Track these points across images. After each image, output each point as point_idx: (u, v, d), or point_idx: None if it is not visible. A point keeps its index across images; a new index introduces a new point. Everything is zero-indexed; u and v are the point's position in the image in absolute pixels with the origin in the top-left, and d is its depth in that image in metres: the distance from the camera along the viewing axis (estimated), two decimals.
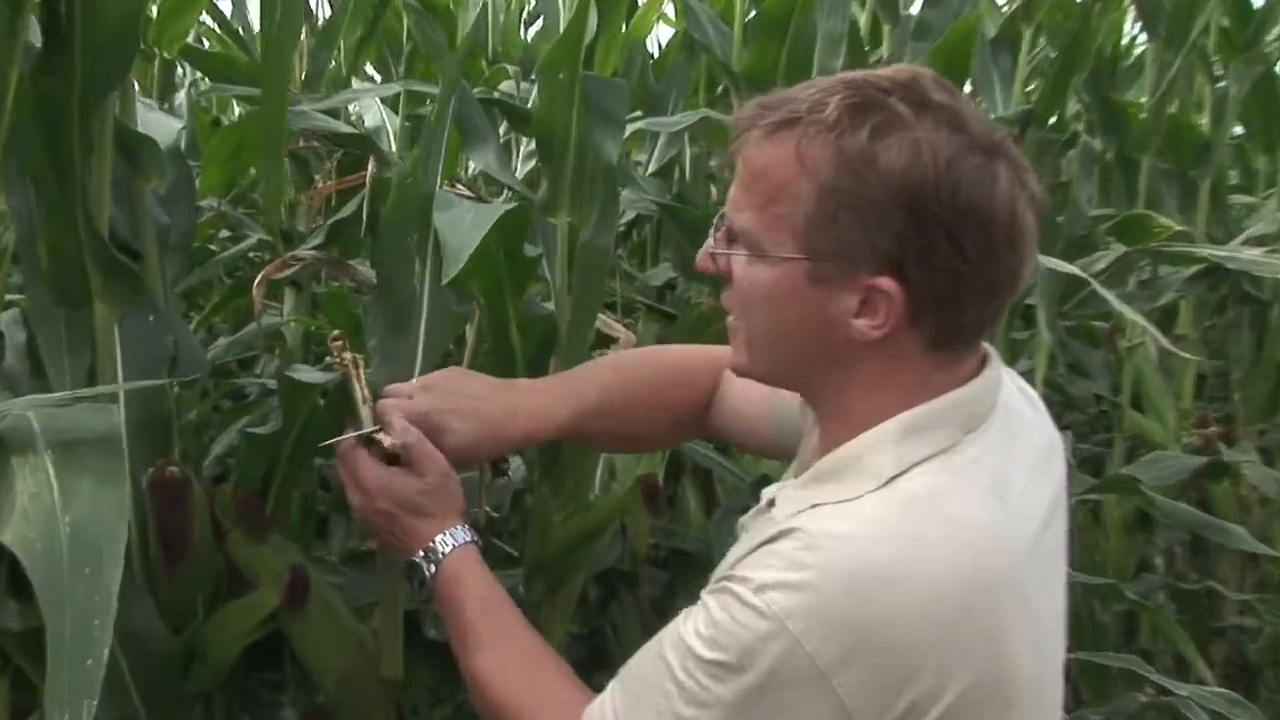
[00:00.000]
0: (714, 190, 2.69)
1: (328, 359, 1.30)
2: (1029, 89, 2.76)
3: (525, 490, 1.75)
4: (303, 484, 1.51)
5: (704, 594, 1.03)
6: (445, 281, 1.26)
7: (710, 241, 1.09)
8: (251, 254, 2.68)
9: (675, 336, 2.20)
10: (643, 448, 1.74)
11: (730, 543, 1.11)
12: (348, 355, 1.27)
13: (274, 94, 1.32)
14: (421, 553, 1.20)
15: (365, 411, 1.25)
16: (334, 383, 1.35)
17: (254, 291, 1.75)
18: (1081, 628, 2.40)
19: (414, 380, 1.32)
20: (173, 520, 1.28)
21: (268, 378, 2.12)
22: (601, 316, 2.12)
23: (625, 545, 1.99)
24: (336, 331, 1.29)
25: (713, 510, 2.16)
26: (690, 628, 1.02)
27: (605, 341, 2.15)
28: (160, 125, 1.54)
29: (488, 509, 1.34)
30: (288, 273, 1.91)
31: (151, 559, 1.32)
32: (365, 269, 2.05)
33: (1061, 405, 2.83)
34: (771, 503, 1.06)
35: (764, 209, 1.02)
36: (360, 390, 1.25)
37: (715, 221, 1.08)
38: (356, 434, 1.23)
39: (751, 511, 1.10)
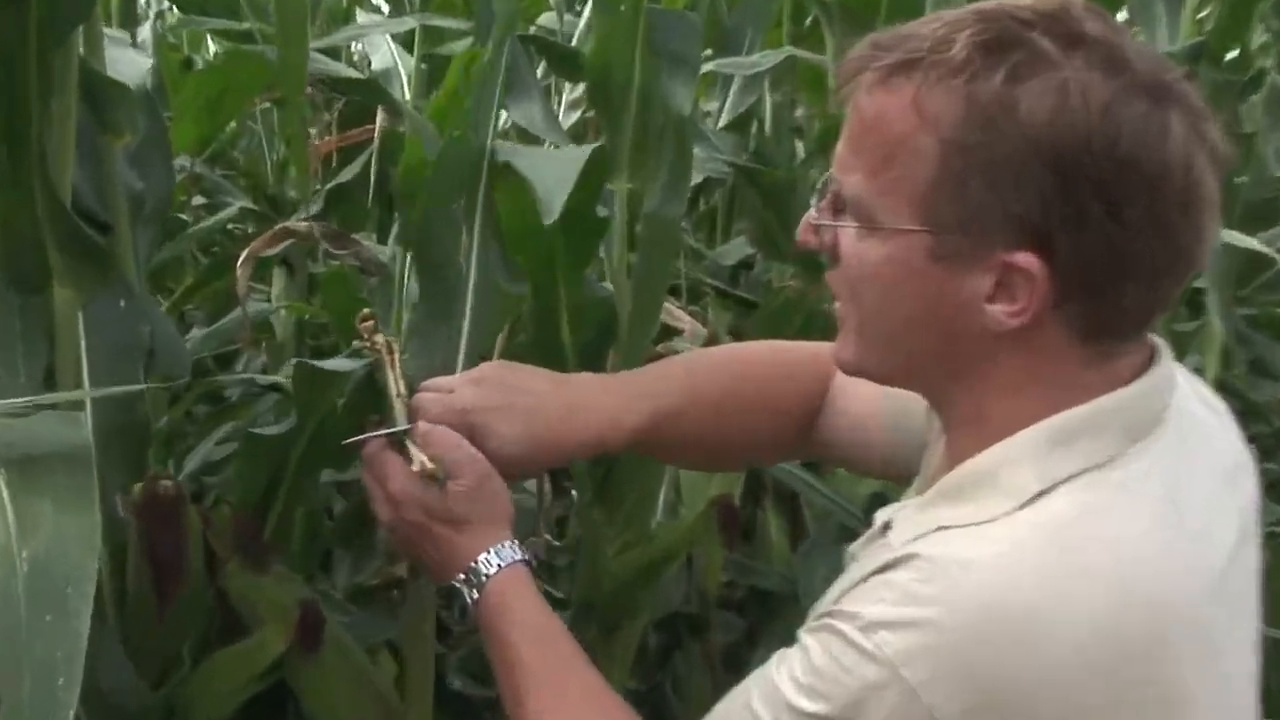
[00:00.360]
0: (800, 147, 2.71)
1: (355, 343, 1.33)
2: (1201, 15, 2.75)
3: (572, 515, 1.79)
4: (309, 502, 1.56)
5: (802, 633, 1.06)
6: (549, 221, 1.29)
7: (812, 211, 1.11)
8: (232, 225, 2.74)
9: (753, 328, 2.23)
10: (729, 465, 1.76)
11: (821, 580, 1.14)
12: (380, 338, 1.30)
13: (291, 19, 1.36)
14: (462, 574, 1.23)
15: (399, 407, 1.27)
16: (362, 372, 1.38)
17: (237, 271, 1.80)
18: (1271, 698, 2.38)
19: (458, 374, 1.36)
20: (165, 546, 1.32)
21: (255, 375, 2.17)
22: (665, 305, 2.15)
23: (693, 583, 2.01)
24: (366, 310, 1.31)
25: (800, 541, 2.19)
26: (785, 673, 1.04)
27: (667, 334, 2.18)
28: (127, 65, 1.59)
29: (548, 536, 1.37)
30: (278, 249, 1.97)
31: (129, 597, 1.37)
32: (373, 244, 2.10)
33: (1240, 413, 2.81)
34: (887, 526, 1.08)
35: (877, 171, 1.04)
36: (394, 382, 1.28)
37: (819, 187, 1.10)
38: (387, 432, 1.26)
39: (863, 537, 1.12)
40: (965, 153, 1.01)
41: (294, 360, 2.26)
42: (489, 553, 1.23)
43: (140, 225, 1.54)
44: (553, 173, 1.35)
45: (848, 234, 1.08)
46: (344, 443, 1.29)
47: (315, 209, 2.40)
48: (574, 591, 1.72)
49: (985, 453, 1.06)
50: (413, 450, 1.24)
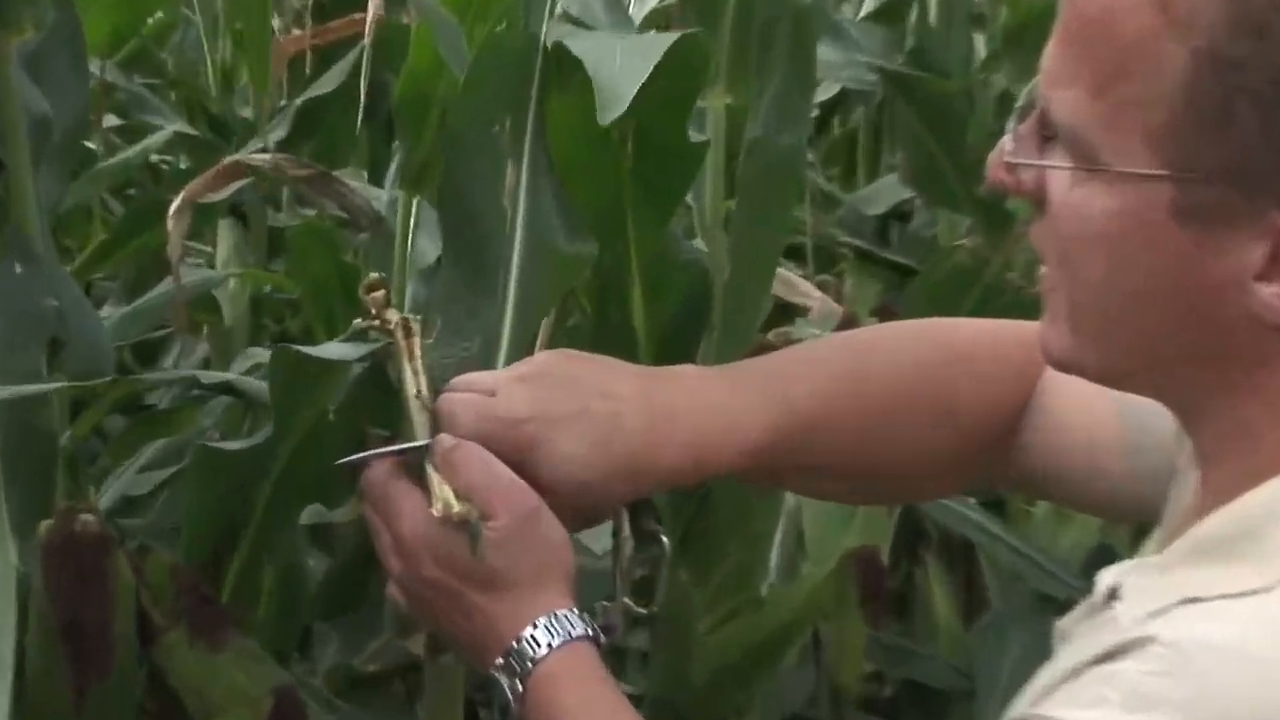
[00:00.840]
0: (980, 44, 2.70)
1: (358, 322, 1.35)
2: None
3: (661, 571, 1.81)
4: (284, 550, 1.59)
5: None
6: (606, 121, 1.31)
7: (1007, 141, 1.12)
8: (158, 158, 2.78)
9: (908, 304, 2.24)
10: (878, 496, 1.75)
11: (1009, 670, 1.14)
12: (394, 316, 1.31)
13: None
14: (501, 657, 1.24)
15: (417, 414, 1.29)
16: (365, 364, 1.42)
17: (168, 225, 1.83)
18: None
19: (501, 368, 1.38)
20: (84, 607, 1.35)
21: (195, 371, 2.20)
22: (781, 272, 2.16)
23: (821, 674, 2.04)
24: (374, 275, 1.33)
25: (977, 615, 2.21)
26: None
27: (785, 314, 2.19)
28: None
29: (628, 601, 1.38)
30: (226, 192, 2.00)
31: (30, 677, 1.39)
32: (363, 185, 2.13)
33: None
34: (1113, 594, 1.09)
35: (1103, 89, 1.04)
36: (412, 378, 1.30)
37: (1019, 106, 1.11)
38: (399, 449, 1.29)
39: (1077, 610, 1.13)
40: (1229, 70, 1.01)
41: (251, 350, 2.30)
42: (538, 626, 1.24)
43: (45, 161, 1.57)
44: (622, 60, 1.37)
45: (1059, 175, 1.09)
46: (337, 463, 1.31)
47: (279, 134, 2.43)
48: (651, 681, 1.74)
49: (1255, 493, 1.06)
50: (433, 477, 1.26)
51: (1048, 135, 1.10)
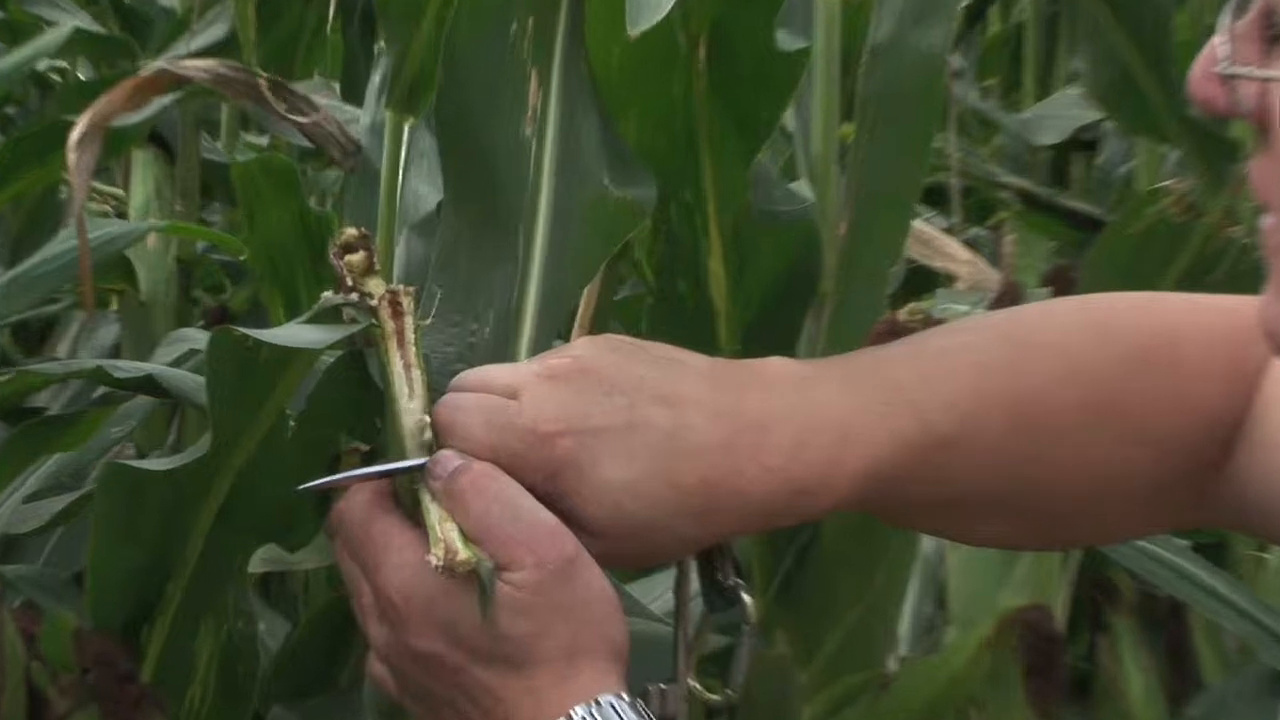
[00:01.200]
0: None
1: (328, 295, 1.35)
2: None
3: (742, 641, 1.83)
4: (225, 610, 1.61)
5: None
6: (636, 32, 1.31)
7: (1220, 41, 1.13)
8: (50, 64, 2.81)
9: (1093, 271, 2.25)
10: (1047, 539, 1.76)
11: None
12: (377, 286, 1.34)
13: None
14: None
15: (410, 421, 1.32)
16: (340, 352, 1.43)
17: (67, 157, 1.86)
18: None
19: (524, 360, 1.40)
20: None
21: (102, 361, 2.23)
22: (917, 226, 2.17)
23: None
24: (351, 230, 1.34)
25: (1186, 697, 2.23)
26: None
27: (923, 284, 2.21)
28: None
29: (694, 684, 1.39)
30: (146, 113, 2.04)
31: None
32: (335, 103, 2.15)
33: None
34: None
35: None
36: (402, 373, 1.33)
37: (1229, 3, 1.13)
38: (385, 470, 1.32)
39: None
40: None
41: (181, 332, 2.33)
42: (574, 717, 1.26)
43: None
44: None
45: None
46: (300, 489, 1.35)
47: (218, 32, 2.45)
48: None
49: None
50: (431, 511, 1.29)
51: (1276, 35, 1.11)
